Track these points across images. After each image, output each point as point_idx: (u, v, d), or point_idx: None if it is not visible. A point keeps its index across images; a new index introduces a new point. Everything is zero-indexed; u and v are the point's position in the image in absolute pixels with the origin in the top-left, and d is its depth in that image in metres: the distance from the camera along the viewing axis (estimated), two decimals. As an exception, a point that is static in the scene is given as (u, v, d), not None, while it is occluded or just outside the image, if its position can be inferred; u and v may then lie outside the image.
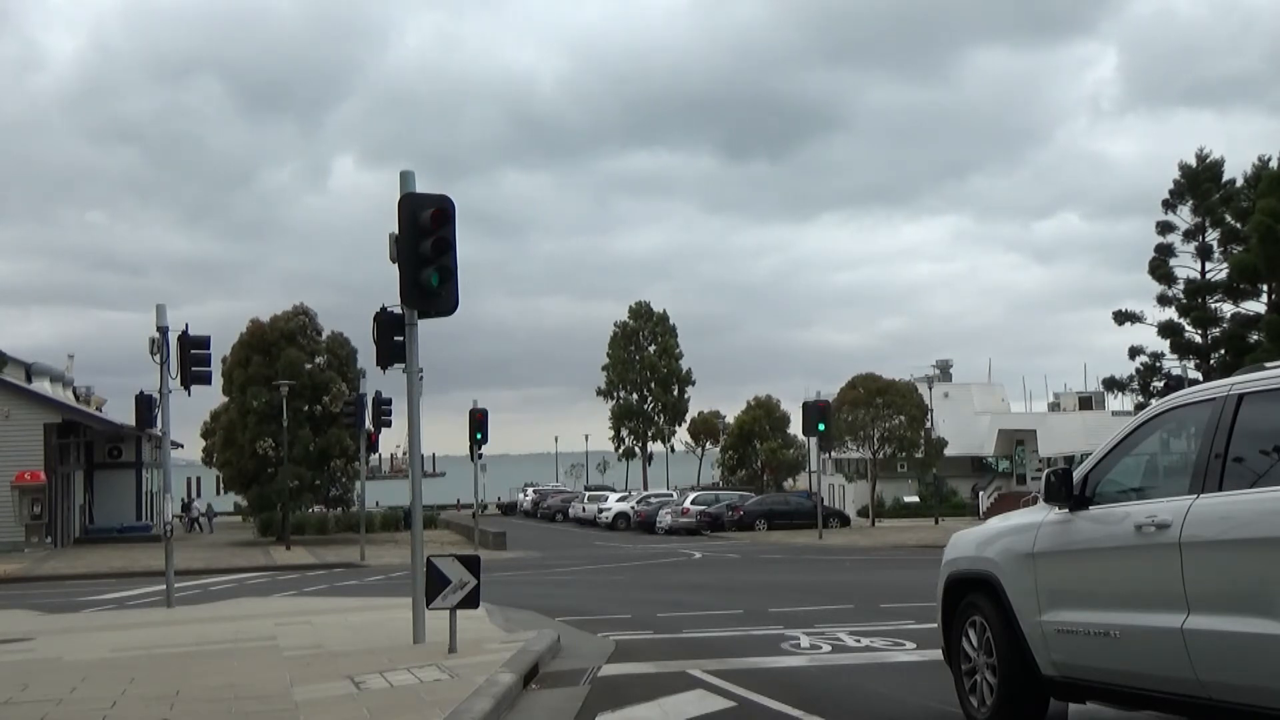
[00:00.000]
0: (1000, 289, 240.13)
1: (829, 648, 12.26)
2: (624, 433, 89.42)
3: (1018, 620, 7.29)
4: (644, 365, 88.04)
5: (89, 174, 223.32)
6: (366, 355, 47.67)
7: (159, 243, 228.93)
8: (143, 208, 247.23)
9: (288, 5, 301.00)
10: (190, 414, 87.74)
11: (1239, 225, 50.33)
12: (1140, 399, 54.01)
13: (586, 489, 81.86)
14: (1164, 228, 53.61)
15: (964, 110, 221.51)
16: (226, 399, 50.06)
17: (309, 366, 47.80)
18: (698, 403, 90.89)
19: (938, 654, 11.39)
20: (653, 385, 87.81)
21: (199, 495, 74.57)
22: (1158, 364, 52.92)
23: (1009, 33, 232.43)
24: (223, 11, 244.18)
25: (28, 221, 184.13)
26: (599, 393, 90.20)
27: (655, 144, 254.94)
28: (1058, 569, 7.06)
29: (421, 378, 12.67)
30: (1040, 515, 7.36)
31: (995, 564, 7.58)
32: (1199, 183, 52.58)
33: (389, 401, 37.51)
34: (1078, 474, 7.18)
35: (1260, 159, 50.47)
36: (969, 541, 8.17)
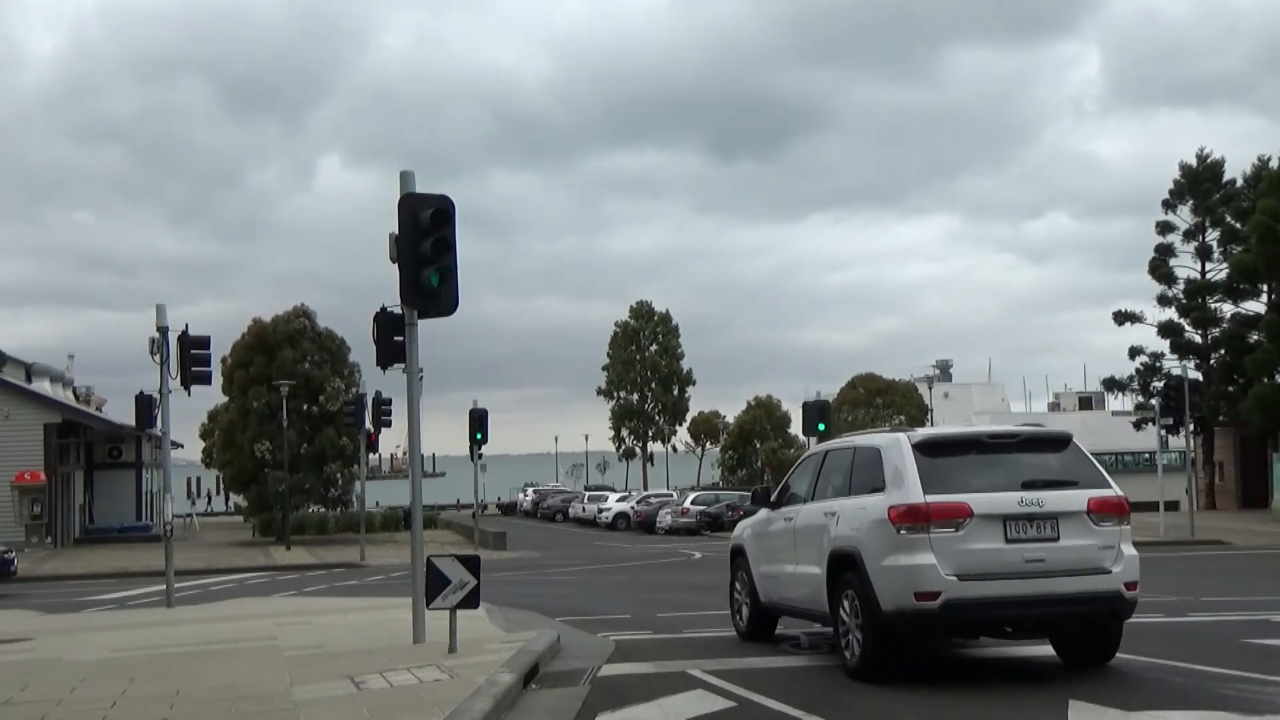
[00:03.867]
0: (994, 289, 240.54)
1: (829, 648, 12.24)
2: (624, 433, 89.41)
3: (751, 571, 13.02)
4: (645, 365, 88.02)
5: (74, 174, 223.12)
6: (361, 353, 47.83)
7: (149, 243, 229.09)
8: (131, 208, 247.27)
9: (266, 3, 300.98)
10: (190, 414, 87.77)
11: (1239, 225, 50.32)
12: (1140, 399, 54.04)
13: (586, 489, 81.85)
14: (1164, 228, 53.61)
15: (950, 110, 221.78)
16: (226, 399, 50.06)
17: (304, 366, 47.76)
18: (695, 403, 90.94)
19: (938, 654, 11.42)
20: (653, 385, 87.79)
21: (196, 495, 74.65)
22: (1158, 364, 52.91)
23: (989, 32, 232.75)
24: (201, 10, 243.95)
25: (15, 222, 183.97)
26: (599, 392, 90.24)
27: (641, 144, 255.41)
28: (761, 541, 12.94)
29: (421, 378, 12.67)
30: (762, 513, 13.16)
31: (744, 539, 13.55)
32: (1199, 183, 52.56)
33: (389, 401, 37.51)
34: (776, 490, 12.93)
35: (1260, 159, 50.47)
36: (738, 528, 14.12)
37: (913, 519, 9.66)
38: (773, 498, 12.79)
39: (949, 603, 9.50)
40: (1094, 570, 9.80)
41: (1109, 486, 10.16)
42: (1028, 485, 9.92)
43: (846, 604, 10.27)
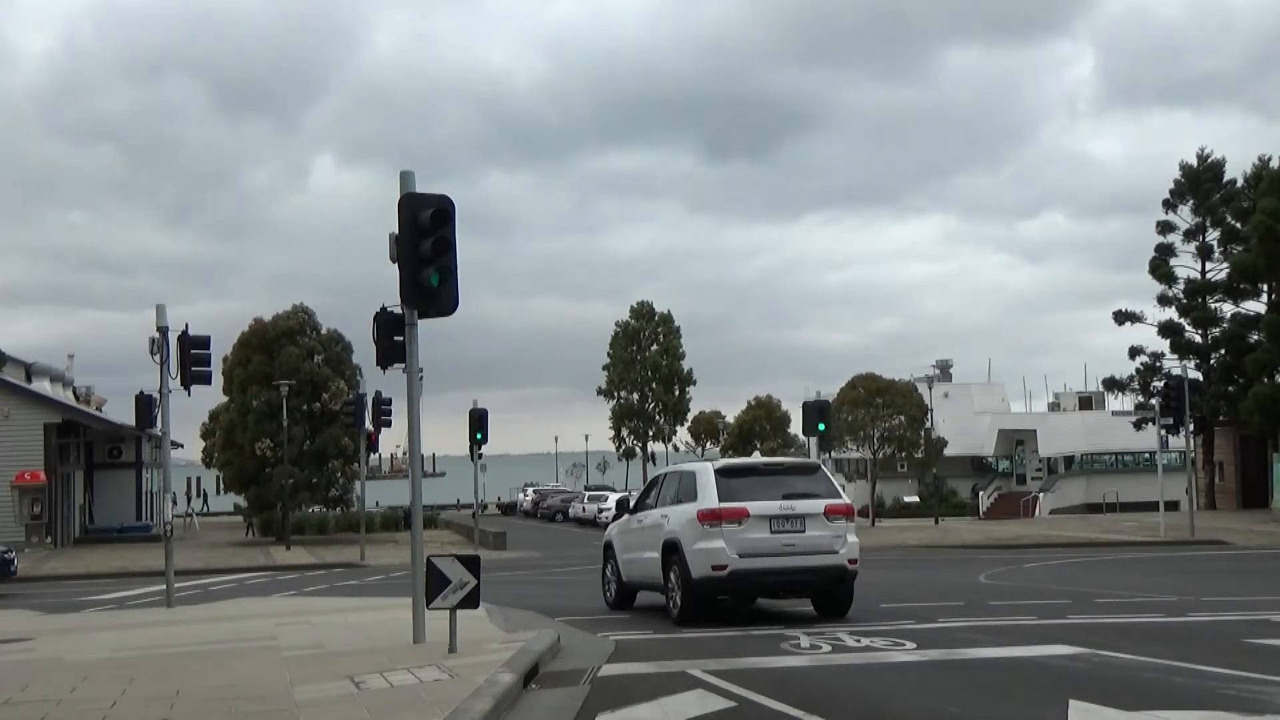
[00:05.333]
0: (991, 289, 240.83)
1: (829, 648, 12.25)
2: (624, 432, 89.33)
3: (617, 559, 17.39)
4: (646, 365, 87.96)
5: (68, 173, 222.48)
6: (362, 353, 47.81)
7: (143, 243, 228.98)
8: (125, 208, 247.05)
9: (257, 2, 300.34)
10: (190, 414, 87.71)
11: (1239, 225, 50.32)
12: (1140, 399, 54.03)
13: (586, 489, 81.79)
14: (1164, 227, 53.59)
15: (943, 110, 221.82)
16: (226, 399, 50.03)
17: (307, 364, 47.74)
18: (694, 403, 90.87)
19: (938, 654, 11.44)
20: (654, 385, 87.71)
21: (196, 495, 74.59)
22: (1158, 364, 52.90)
23: (981, 32, 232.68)
24: (192, 9, 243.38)
25: (9, 222, 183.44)
26: (599, 392, 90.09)
27: (634, 144, 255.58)
28: (623, 538, 17.28)
29: (421, 378, 12.66)
30: (624, 518, 17.65)
31: (612, 537, 17.88)
32: (1200, 182, 52.56)
33: (389, 401, 37.50)
34: (632, 501, 17.91)
35: (1261, 158, 50.47)
36: (608, 530, 18.52)
37: (712, 518, 14.73)
38: (631, 507, 17.70)
39: (734, 572, 14.61)
40: (827, 551, 14.93)
41: (840, 497, 15.42)
42: (786, 497, 15.00)
43: (672, 575, 15.28)
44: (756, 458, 20.33)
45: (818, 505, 14.96)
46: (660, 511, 16.04)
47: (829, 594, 15.40)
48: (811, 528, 14.84)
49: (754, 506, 14.73)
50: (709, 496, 14.90)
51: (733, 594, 15.18)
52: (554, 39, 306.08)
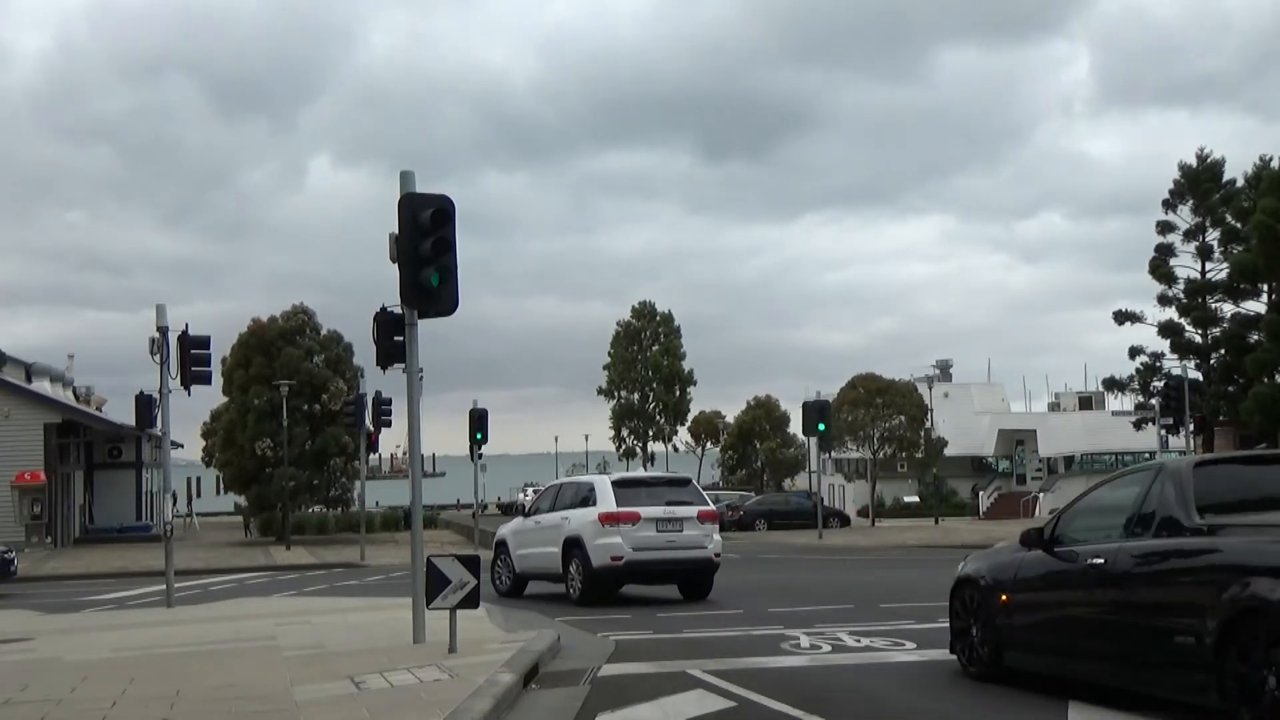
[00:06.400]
0: (990, 289, 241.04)
1: (829, 648, 12.26)
2: (625, 432, 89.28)
3: (511, 555, 20.79)
4: (646, 365, 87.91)
5: (65, 174, 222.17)
6: (362, 353, 47.82)
7: (141, 243, 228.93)
8: (122, 208, 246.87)
9: (252, 3, 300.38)
10: (190, 414, 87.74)
11: (1239, 225, 50.28)
12: (1140, 399, 54.01)
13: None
14: (1164, 227, 53.53)
15: (941, 110, 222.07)
16: (226, 399, 50.02)
17: (307, 364, 47.73)
18: (694, 403, 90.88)
19: (938, 654, 11.43)
20: (655, 385, 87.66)
21: (197, 495, 74.47)
22: (1158, 364, 52.84)
23: (977, 32, 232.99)
24: (187, 9, 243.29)
25: (8, 221, 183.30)
26: (600, 392, 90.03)
27: (631, 144, 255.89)
28: (518, 537, 20.79)
29: (421, 378, 12.66)
30: (517, 520, 21.50)
31: (505, 536, 21.22)
32: (1199, 182, 52.50)
33: (389, 401, 37.48)
34: (530, 507, 21.76)
35: (1261, 158, 50.43)
36: (500, 530, 21.93)
37: (612, 520, 18.38)
38: (527, 511, 21.56)
39: (629, 562, 18.35)
40: (699, 547, 18.85)
41: (708, 505, 19.70)
42: (668, 503, 18.93)
43: (573, 566, 18.75)
44: (641, 472, 23.64)
45: (692, 511, 19.05)
46: (560, 514, 19.57)
47: (697, 582, 19.31)
48: (688, 529, 18.83)
49: (645, 511, 18.61)
50: (608, 502, 18.62)
51: (625, 580, 18.98)
52: (551, 39, 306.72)
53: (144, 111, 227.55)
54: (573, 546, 18.75)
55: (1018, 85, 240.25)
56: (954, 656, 10.49)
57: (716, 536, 19.28)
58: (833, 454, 69.59)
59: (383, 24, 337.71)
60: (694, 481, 20.83)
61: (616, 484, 19.19)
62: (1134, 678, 8.27)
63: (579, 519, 18.85)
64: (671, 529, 18.63)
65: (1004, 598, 9.65)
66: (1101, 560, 8.46)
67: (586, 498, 19.23)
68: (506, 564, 21.09)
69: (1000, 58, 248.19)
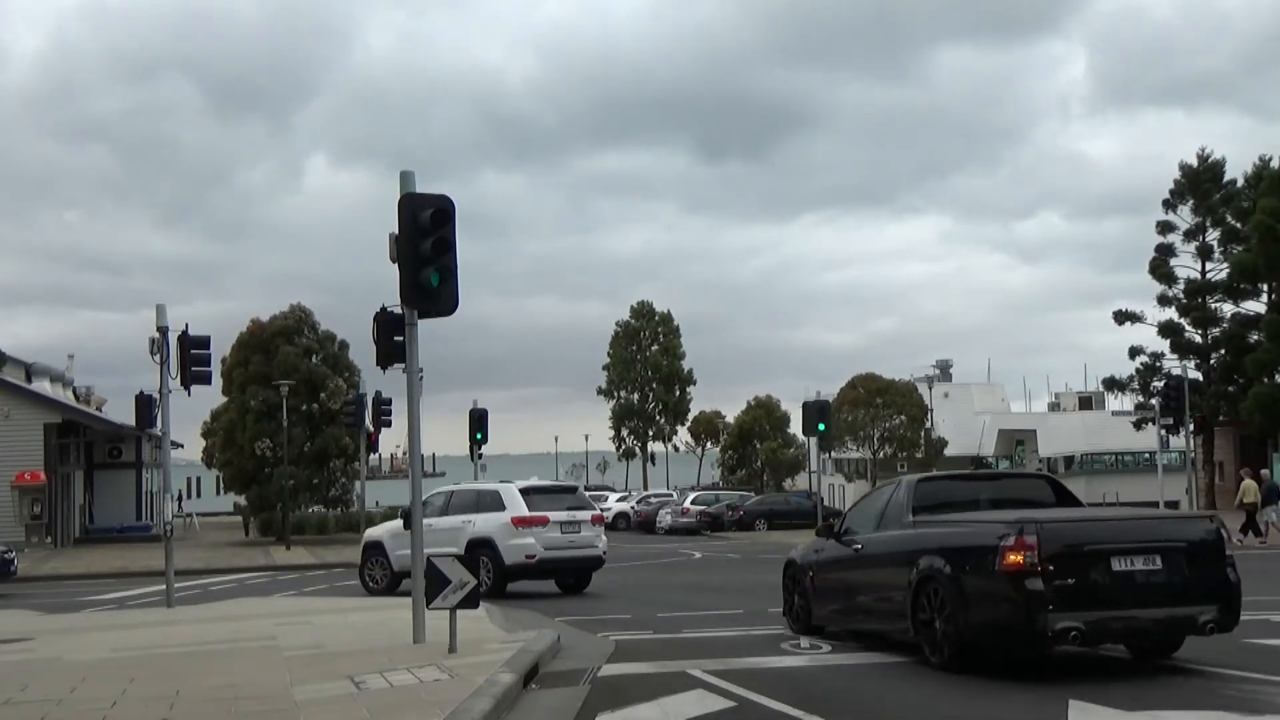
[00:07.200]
0: (990, 289, 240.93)
1: (829, 648, 12.26)
2: (624, 432, 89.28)
3: (389, 556, 22.67)
4: (646, 365, 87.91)
5: (62, 173, 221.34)
6: (359, 353, 47.79)
7: (139, 243, 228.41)
8: (120, 208, 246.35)
9: (248, 2, 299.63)
10: (190, 414, 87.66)
11: (1239, 225, 50.28)
12: (1140, 399, 54.00)
13: (587, 489, 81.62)
14: (1164, 227, 53.53)
15: (938, 110, 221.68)
16: (226, 399, 49.99)
17: (305, 363, 47.68)
18: (695, 403, 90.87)
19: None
20: (654, 385, 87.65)
21: (196, 495, 74.42)
22: (1158, 364, 52.83)
23: (973, 32, 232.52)
24: (182, 9, 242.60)
25: (5, 221, 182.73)
26: (599, 392, 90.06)
27: (629, 143, 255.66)
28: (397, 539, 21.58)
29: (421, 378, 12.66)
30: (396, 522, 22.76)
31: (381, 538, 23.32)
32: (1200, 182, 52.49)
33: (389, 401, 37.48)
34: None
35: (1261, 158, 50.43)
36: (374, 532, 24.15)
37: (525, 523, 20.74)
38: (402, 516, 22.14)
39: (540, 559, 20.61)
40: (592, 546, 21.54)
41: (596, 510, 23.10)
42: (569, 508, 21.63)
43: (481, 565, 18.38)
44: (535, 481, 26.39)
45: (587, 515, 21.94)
46: (460, 518, 21.49)
47: (585, 576, 22.09)
48: (584, 530, 21.49)
49: (552, 515, 21.09)
50: (519, 507, 20.93)
51: (533, 576, 21.17)
52: (546, 38, 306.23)
53: (140, 111, 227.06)
54: (481, 546, 20.39)
55: (1015, 85, 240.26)
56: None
57: (604, 537, 22.24)
58: (833, 454, 69.56)
59: (378, 24, 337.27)
60: (581, 488, 24.55)
61: (523, 491, 21.58)
62: (879, 625, 12.04)
63: (487, 522, 20.97)
64: (572, 530, 21.27)
65: (811, 574, 13.52)
66: (860, 546, 12.36)
67: (491, 503, 21.36)
68: (381, 564, 22.96)
69: (997, 57, 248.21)
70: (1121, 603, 9.88)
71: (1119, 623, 9.96)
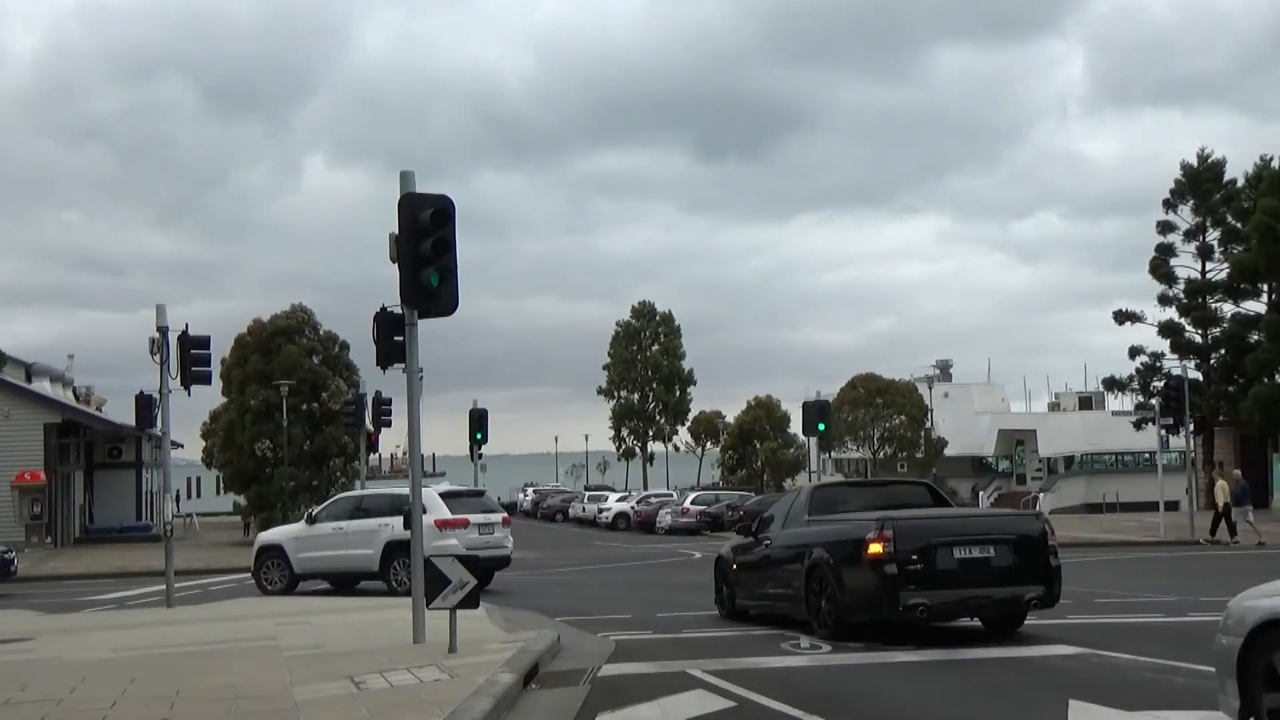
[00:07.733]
0: (989, 289, 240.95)
1: (829, 648, 12.26)
2: (624, 433, 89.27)
3: (290, 558, 23.40)
4: (646, 365, 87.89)
5: (60, 173, 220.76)
6: (359, 353, 47.74)
7: (138, 243, 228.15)
8: (118, 208, 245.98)
9: (245, 2, 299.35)
10: (190, 414, 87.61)
11: (1240, 225, 50.27)
12: (1140, 399, 53.98)
13: (586, 489, 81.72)
14: (1164, 227, 53.53)
15: (936, 110, 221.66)
16: (226, 399, 49.99)
17: (305, 363, 47.67)
18: (695, 403, 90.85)
19: (938, 654, 11.45)
20: (654, 385, 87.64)
21: (196, 495, 74.38)
22: (1158, 364, 52.82)
23: (971, 32, 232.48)
24: (180, 9, 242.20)
25: (5, 222, 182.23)
26: (600, 392, 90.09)
27: (627, 144, 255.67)
28: (300, 541, 23.44)
29: (421, 378, 12.65)
30: (299, 525, 24.28)
31: (282, 541, 23.95)
32: (1200, 182, 52.49)
33: (389, 401, 37.42)
34: (315, 513, 24.51)
35: (1262, 158, 50.40)
36: (272, 535, 25.06)
37: (449, 525, 21.72)
38: (312, 515, 24.07)
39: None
40: (503, 546, 22.94)
41: (505, 512, 24.43)
42: (483, 511, 23.06)
43: (397, 565, 21.38)
44: (447, 485, 27.55)
45: (499, 517, 23.47)
46: (376, 521, 22.43)
47: (491, 575, 22.56)
48: (497, 531, 22.90)
49: (472, 517, 22.42)
50: (441, 511, 21.82)
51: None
52: (545, 38, 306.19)
53: (138, 111, 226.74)
54: (402, 548, 20.30)
55: (1013, 85, 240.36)
56: (954, 657, 10.80)
57: (510, 539, 23.80)
58: (833, 454, 69.54)
59: (376, 23, 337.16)
60: (488, 493, 26.55)
61: (443, 495, 22.72)
62: (785, 608, 14.05)
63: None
64: (488, 531, 22.62)
65: (735, 567, 15.82)
66: (769, 542, 14.72)
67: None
68: (279, 566, 23.68)
69: (996, 58, 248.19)
70: (962, 584, 12.16)
71: (959, 599, 12.29)
